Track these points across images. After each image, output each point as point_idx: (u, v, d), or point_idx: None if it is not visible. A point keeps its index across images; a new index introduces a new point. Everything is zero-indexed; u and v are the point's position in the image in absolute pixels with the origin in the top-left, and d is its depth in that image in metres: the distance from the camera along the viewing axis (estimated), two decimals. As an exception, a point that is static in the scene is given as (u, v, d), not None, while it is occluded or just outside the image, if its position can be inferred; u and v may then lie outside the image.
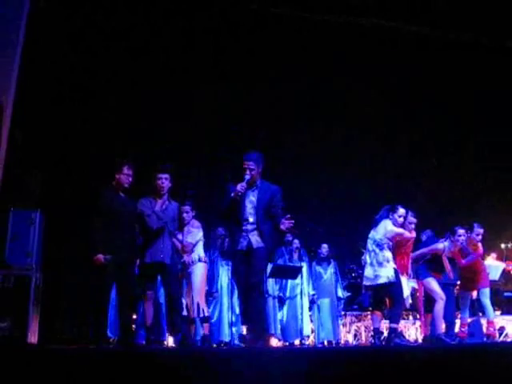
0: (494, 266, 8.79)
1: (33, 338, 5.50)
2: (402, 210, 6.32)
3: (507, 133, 10.01)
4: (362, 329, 8.98)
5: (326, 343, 8.08)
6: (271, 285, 7.76)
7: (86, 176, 7.61)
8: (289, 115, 9.64)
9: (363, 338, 8.86)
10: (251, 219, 5.18)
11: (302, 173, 9.73)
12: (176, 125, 8.88)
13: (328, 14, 8.12)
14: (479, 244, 7.07)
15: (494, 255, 9.55)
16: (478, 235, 7.04)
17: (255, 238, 5.14)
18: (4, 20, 6.17)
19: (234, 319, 7.18)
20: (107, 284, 5.24)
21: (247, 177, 5.16)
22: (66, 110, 7.79)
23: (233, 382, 3.12)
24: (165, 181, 5.69)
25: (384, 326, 7.41)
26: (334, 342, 8.14)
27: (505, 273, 9.21)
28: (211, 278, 7.40)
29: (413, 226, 6.55)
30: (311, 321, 8.31)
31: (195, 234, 6.42)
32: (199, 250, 6.45)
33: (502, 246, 10.98)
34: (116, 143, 8.16)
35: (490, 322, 7.02)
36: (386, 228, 6.27)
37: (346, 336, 8.88)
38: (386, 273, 6.14)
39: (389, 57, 9.09)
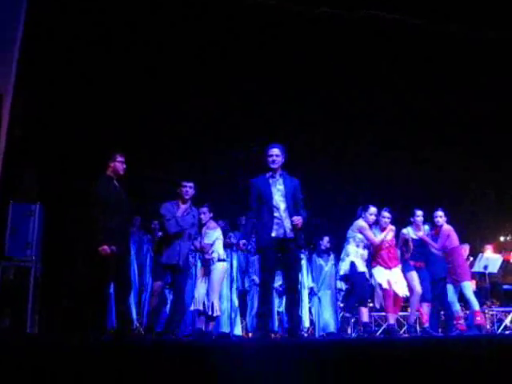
0: (492, 259, 8.81)
1: (32, 328, 5.53)
2: (372, 209, 6.71)
3: (506, 127, 10.05)
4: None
5: (325, 335, 8.10)
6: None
7: (85, 168, 7.63)
8: (289, 112, 9.65)
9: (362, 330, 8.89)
10: (282, 206, 5.26)
11: (301, 166, 9.74)
12: (174, 120, 8.91)
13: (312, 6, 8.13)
14: (443, 225, 7.17)
15: (490, 246, 9.59)
16: (435, 217, 7.21)
17: (289, 226, 5.20)
18: (3, 15, 6.17)
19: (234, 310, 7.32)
20: (108, 275, 5.23)
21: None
22: (65, 104, 7.80)
23: (229, 374, 3.15)
24: (189, 189, 6.21)
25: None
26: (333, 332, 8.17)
27: (504, 263, 9.23)
28: None
29: (386, 219, 6.83)
30: (310, 313, 8.32)
31: (211, 235, 6.71)
32: (218, 249, 6.73)
33: (501, 238, 11.04)
34: (113, 137, 8.20)
35: (476, 313, 7.05)
36: (354, 224, 6.76)
37: (346, 328, 8.90)
38: (343, 266, 6.70)
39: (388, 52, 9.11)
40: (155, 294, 6.16)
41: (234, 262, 7.45)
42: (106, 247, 5.08)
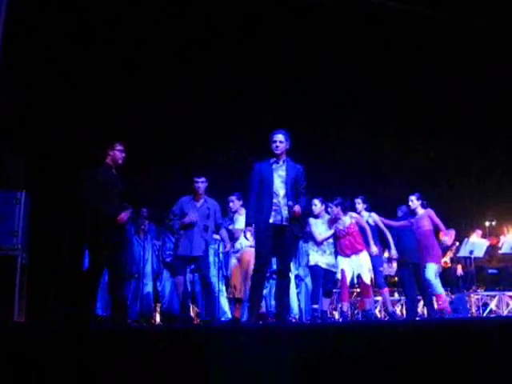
0: (478, 244, 8.91)
1: (19, 317, 5.51)
2: (314, 201, 7.10)
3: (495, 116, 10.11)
4: (348, 306, 9.07)
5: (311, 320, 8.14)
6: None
7: (70, 156, 7.59)
8: (272, 101, 9.61)
9: (349, 315, 8.96)
10: (281, 193, 5.25)
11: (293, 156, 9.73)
12: (162, 108, 8.87)
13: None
14: (417, 208, 7.40)
15: (479, 231, 9.68)
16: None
17: (286, 214, 5.20)
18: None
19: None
20: (103, 263, 5.24)
21: None
22: (51, 92, 7.72)
23: (223, 358, 3.17)
24: (201, 184, 6.57)
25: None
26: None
27: (490, 248, 9.33)
28: None
29: (329, 210, 7.16)
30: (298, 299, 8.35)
31: (241, 221, 6.77)
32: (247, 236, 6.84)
33: (486, 223, 11.14)
34: (100, 124, 8.16)
35: (437, 296, 7.09)
36: None
37: (333, 313, 8.97)
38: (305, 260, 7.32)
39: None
40: (178, 287, 6.61)
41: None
42: (124, 215, 5.33)
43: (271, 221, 5.18)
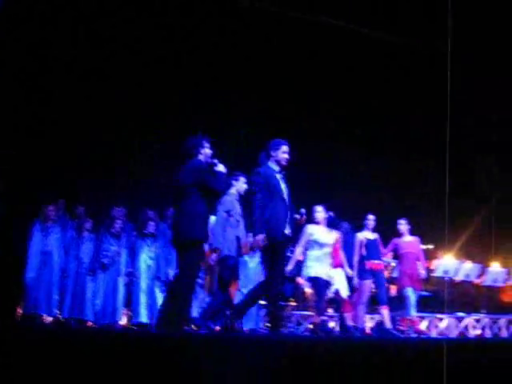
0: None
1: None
2: (317, 208, 6.98)
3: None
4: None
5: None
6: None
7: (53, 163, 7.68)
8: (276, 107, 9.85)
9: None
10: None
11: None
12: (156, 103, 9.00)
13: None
14: None
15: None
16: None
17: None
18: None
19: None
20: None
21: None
22: (37, 96, 7.62)
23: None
24: None
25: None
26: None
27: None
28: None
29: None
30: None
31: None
32: None
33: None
34: (88, 129, 8.32)
35: None
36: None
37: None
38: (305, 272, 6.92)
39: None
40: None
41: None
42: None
43: (287, 233, 5.19)
